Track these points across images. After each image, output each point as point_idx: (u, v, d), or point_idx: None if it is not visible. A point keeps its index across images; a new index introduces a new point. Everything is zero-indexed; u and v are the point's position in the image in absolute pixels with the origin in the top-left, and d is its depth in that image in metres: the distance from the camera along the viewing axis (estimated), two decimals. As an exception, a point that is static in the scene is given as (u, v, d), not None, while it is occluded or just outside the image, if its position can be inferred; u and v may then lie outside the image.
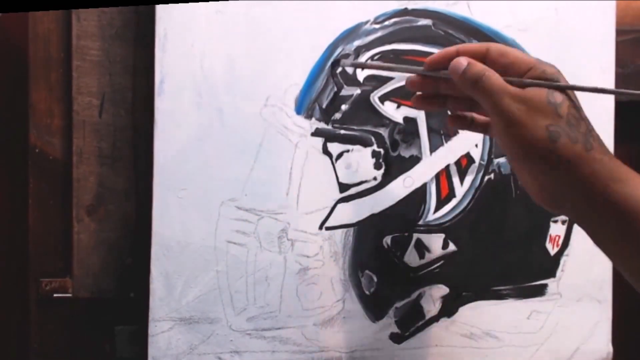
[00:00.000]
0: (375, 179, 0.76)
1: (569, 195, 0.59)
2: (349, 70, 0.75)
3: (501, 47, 0.63)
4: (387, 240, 0.76)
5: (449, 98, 0.67)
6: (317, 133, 0.74)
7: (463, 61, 0.62)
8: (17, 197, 0.77)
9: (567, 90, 0.60)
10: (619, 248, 0.58)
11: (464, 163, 0.79)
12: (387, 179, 0.76)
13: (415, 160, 0.77)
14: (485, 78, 0.60)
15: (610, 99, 0.83)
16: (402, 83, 0.76)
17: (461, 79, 0.61)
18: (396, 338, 0.78)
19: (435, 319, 0.79)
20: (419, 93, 0.68)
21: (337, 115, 0.75)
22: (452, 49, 0.64)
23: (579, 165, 0.57)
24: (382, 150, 0.76)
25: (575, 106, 0.59)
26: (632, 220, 0.56)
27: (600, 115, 0.82)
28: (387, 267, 0.77)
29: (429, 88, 0.67)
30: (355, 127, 0.76)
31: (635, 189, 0.56)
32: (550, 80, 0.60)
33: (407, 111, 0.77)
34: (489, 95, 0.60)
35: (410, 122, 0.77)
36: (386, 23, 0.76)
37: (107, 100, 0.74)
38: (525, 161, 0.60)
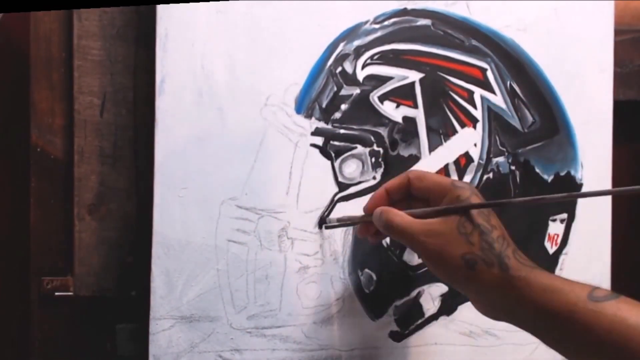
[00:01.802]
0: (374, 178, 0.77)
1: (499, 310, 0.62)
2: (349, 69, 0.76)
3: (418, 174, 0.67)
4: (387, 239, 0.77)
5: None
6: (317, 132, 0.75)
7: (378, 210, 0.67)
8: (18, 196, 0.78)
9: (479, 210, 0.63)
10: (562, 344, 0.61)
11: (463, 162, 0.79)
12: (386, 178, 0.76)
13: (414, 159, 0.78)
14: (392, 222, 0.65)
15: (608, 99, 0.83)
16: (402, 83, 0.77)
17: (379, 227, 0.67)
18: (396, 336, 0.78)
19: (434, 317, 0.79)
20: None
21: (337, 115, 0.75)
22: (380, 189, 0.69)
23: (500, 287, 0.61)
24: (381, 150, 0.76)
25: (486, 230, 0.62)
26: (567, 323, 0.58)
27: (599, 115, 0.83)
28: (386, 266, 0.77)
29: (376, 237, 0.72)
30: (354, 127, 0.76)
31: (564, 295, 0.59)
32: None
33: (406, 111, 0.77)
34: (402, 237, 0.65)
35: (409, 121, 0.77)
36: (386, 23, 0.77)
37: (109, 100, 0.74)
38: (455, 287, 0.65)
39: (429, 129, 0.78)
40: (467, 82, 0.79)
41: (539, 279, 0.60)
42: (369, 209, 0.69)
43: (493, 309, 0.63)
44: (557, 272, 0.82)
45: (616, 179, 0.83)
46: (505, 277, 0.60)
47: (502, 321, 0.63)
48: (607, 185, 0.83)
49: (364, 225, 0.71)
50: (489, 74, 0.79)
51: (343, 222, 0.74)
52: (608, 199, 0.83)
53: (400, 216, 0.65)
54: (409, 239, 0.64)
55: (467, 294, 0.65)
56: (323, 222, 0.75)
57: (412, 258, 0.78)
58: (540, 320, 0.60)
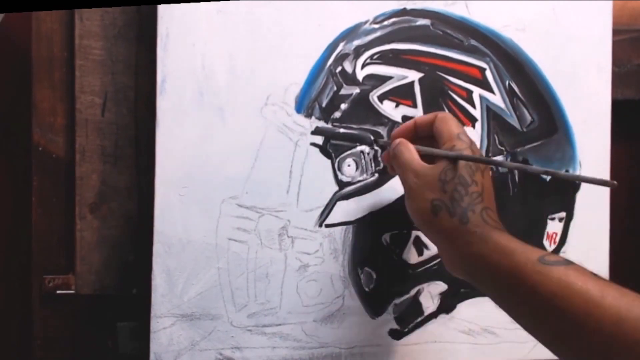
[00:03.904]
0: (374, 177, 0.77)
1: (456, 263, 0.64)
2: (349, 69, 0.76)
3: (444, 116, 0.68)
4: (386, 237, 0.77)
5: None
6: (317, 131, 0.75)
7: (397, 140, 0.68)
8: (20, 194, 0.78)
9: (466, 163, 0.64)
10: (510, 305, 0.62)
11: (462, 161, 0.79)
12: (386, 177, 0.77)
13: (414, 158, 0.78)
14: (399, 153, 0.67)
15: (607, 98, 0.83)
16: (401, 82, 0.77)
17: (391, 154, 0.68)
18: (395, 334, 0.78)
19: (433, 315, 0.79)
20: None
21: (337, 114, 0.76)
22: (410, 121, 0.71)
23: (455, 237, 0.62)
24: (380, 149, 0.77)
25: (464, 182, 0.63)
26: (514, 284, 0.59)
27: (597, 114, 0.83)
28: (386, 264, 0.78)
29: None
30: (354, 126, 0.76)
31: (515, 256, 0.59)
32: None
33: (405, 110, 0.77)
34: (399, 169, 0.67)
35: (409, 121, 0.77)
36: (385, 23, 0.77)
37: (110, 99, 0.75)
38: (420, 229, 0.67)
39: (428, 128, 0.78)
40: (466, 81, 0.79)
41: (495, 238, 0.61)
42: (393, 136, 0.71)
43: (451, 262, 0.64)
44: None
45: (614, 178, 0.83)
46: (462, 230, 0.62)
47: (461, 278, 0.64)
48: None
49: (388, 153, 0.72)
50: (488, 74, 0.80)
51: (334, 134, 0.75)
52: (607, 198, 0.83)
53: (410, 152, 0.66)
54: (402, 172, 0.66)
55: (431, 240, 0.67)
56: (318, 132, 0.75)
57: (412, 256, 0.78)
58: (490, 280, 0.61)
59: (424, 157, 0.67)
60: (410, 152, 0.66)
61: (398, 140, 0.68)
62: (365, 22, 0.76)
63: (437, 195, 0.63)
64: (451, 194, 0.63)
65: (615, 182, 0.62)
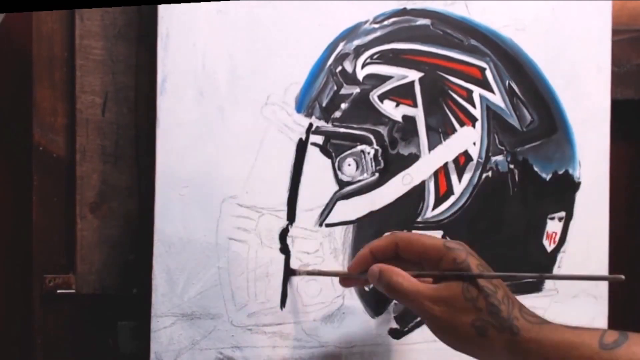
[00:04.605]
0: (374, 176, 0.77)
1: None
2: (349, 69, 0.76)
3: (406, 238, 0.66)
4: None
5: None
6: (317, 131, 0.75)
7: (376, 269, 0.65)
8: (20, 194, 0.78)
9: (478, 278, 0.61)
10: None
11: (462, 161, 0.79)
12: (386, 176, 0.77)
13: (413, 158, 0.78)
14: (396, 284, 0.63)
15: (606, 98, 0.83)
16: (401, 82, 0.77)
17: (378, 286, 0.65)
18: (395, 333, 0.78)
19: (433, 314, 0.80)
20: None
21: (337, 114, 0.76)
22: (365, 250, 0.67)
23: (513, 350, 0.60)
24: (380, 149, 0.77)
25: (491, 292, 0.61)
26: None
27: (597, 113, 0.83)
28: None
29: (361, 284, 0.73)
30: (354, 126, 0.76)
31: (576, 350, 0.58)
32: (461, 269, 0.62)
33: (405, 109, 0.78)
34: (408, 301, 0.63)
35: (409, 120, 0.78)
36: (385, 23, 0.77)
37: (110, 99, 0.75)
38: (465, 353, 0.63)
39: (428, 128, 0.78)
40: (466, 81, 0.79)
41: (549, 336, 0.59)
42: (352, 269, 0.69)
43: None
44: (556, 270, 0.82)
45: (613, 178, 0.84)
46: (517, 341, 0.60)
47: None
48: (605, 183, 0.83)
49: (347, 281, 0.71)
50: (488, 73, 0.80)
51: (313, 273, 0.74)
52: (606, 198, 0.83)
53: (404, 277, 0.63)
54: (415, 304, 0.63)
55: (477, 358, 0.63)
56: (292, 272, 0.74)
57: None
58: None
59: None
60: (405, 278, 0.63)
61: (379, 267, 0.65)
62: (366, 22, 0.76)
63: (474, 315, 0.60)
64: (487, 310, 0.60)
65: (622, 277, 0.61)
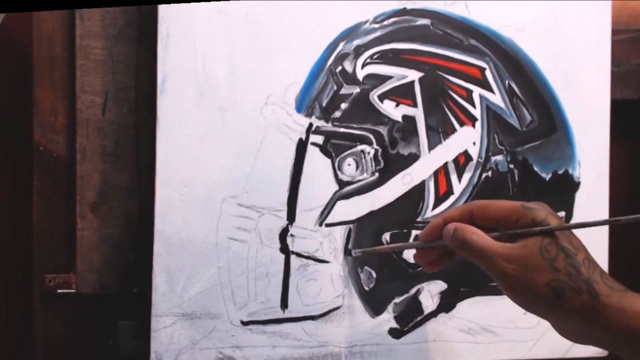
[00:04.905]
0: (374, 176, 0.77)
1: (587, 338, 0.59)
2: (349, 69, 0.76)
3: (482, 204, 0.62)
4: (386, 236, 0.77)
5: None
6: (317, 131, 0.75)
7: (451, 227, 0.61)
8: (21, 194, 0.78)
9: (561, 231, 0.58)
10: None
11: (462, 161, 0.79)
12: (386, 176, 0.77)
13: (413, 157, 0.78)
14: (470, 241, 0.60)
15: (606, 98, 0.84)
16: (401, 82, 0.77)
17: (452, 245, 0.61)
18: (395, 333, 0.78)
19: (433, 314, 0.80)
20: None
21: (337, 114, 0.76)
22: (438, 220, 0.63)
23: (590, 314, 0.57)
24: (381, 148, 0.77)
25: (571, 253, 0.58)
26: None
27: (596, 113, 0.83)
28: (386, 264, 0.78)
29: (434, 255, 0.65)
30: (354, 125, 0.76)
31: None
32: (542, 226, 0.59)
33: (405, 109, 0.78)
34: (480, 258, 0.59)
35: (409, 120, 0.78)
36: (385, 22, 0.77)
37: (110, 99, 0.75)
38: (539, 315, 0.60)
39: (428, 128, 0.78)
40: (466, 81, 0.79)
41: (631, 304, 0.56)
42: (423, 237, 0.64)
43: (578, 335, 0.59)
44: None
45: (613, 177, 0.84)
46: (596, 305, 0.56)
47: (585, 344, 0.60)
48: (605, 183, 0.83)
49: (421, 252, 0.65)
50: (488, 73, 0.80)
51: (370, 252, 0.72)
52: (606, 198, 0.83)
53: (479, 235, 0.60)
54: (487, 261, 0.59)
55: (549, 320, 0.60)
56: (348, 253, 0.74)
57: (412, 256, 0.78)
58: (633, 346, 0.56)
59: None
60: (480, 235, 0.60)
61: (454, 225, 0.61)
62: (365, 22, 0.76)
63: (551, 275, 0.57)
64: (565, 270, 0.57)
65: None
